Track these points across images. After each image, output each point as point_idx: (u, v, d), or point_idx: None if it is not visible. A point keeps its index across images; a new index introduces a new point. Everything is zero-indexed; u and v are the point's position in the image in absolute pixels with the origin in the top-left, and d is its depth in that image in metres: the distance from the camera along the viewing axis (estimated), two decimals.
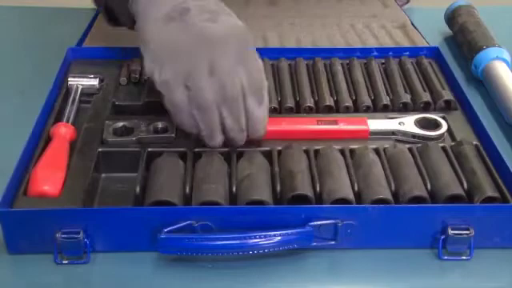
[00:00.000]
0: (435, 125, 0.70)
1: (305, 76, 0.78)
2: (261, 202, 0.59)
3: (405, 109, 0.74)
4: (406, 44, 0.88)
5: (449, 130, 0.70)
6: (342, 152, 0.66)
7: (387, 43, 0.88)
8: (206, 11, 0.67)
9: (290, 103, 0.74)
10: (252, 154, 0.65)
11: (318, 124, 0.70)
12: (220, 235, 0.57)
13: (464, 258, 0.60)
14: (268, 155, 0.66)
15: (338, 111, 0.74)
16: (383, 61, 0.82)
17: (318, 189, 0.62)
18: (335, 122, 0.70)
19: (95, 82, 0.76)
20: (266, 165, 0.65)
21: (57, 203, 0.60)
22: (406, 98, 0.75)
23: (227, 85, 0.62)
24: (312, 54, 0.83)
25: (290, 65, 0.81)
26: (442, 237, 0.59)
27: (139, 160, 0.64)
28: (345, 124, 0.70)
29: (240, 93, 0.63)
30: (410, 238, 0.60)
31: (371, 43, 0.88)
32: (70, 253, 0.58)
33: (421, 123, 0.70)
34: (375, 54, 0.83)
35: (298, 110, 0.74)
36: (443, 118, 0.72)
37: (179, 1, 0.67)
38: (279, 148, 0.66)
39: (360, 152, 0.66)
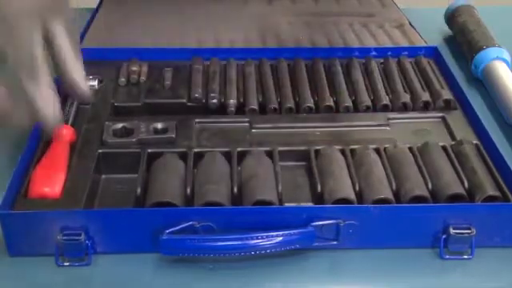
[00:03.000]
0: None
1: (304, 76, 0.78)
2: (267, 203, 0.59)
3: (404, 108, 0.74)
4: (404, 43, 0.88)
5: (449, 130, 0.71)
6: (342, 152, 0.66)
7: (385, 43, 0.89)
8: None
9: (290, 103, 0.74)
10: (259, 154, 0.65)
11: None
12: (222, 236, 0.57)
13: (465, 257, 0.59)
14: (269, 155, 0.66)
15: (337, 111, 0.74)
16: (382, 60, 0.82)
17: (319, 189, 0.62)
18: None
19: (94, 82, 0.75)
20: (272, 165, 0.64)
21: (57, 205, 0.59)
22: (406, 97, 0.75)
23: None
24: (311, 54, 0.83)
25: (289, 65, 0.81)
26: (444, 236, 0.59)
27: (140, 161, 0.64)
28: None
29: None
30: (411, 238, 0.60)
31: (369, 43, 0.88)
32: (71, 255, 0.58)
33: None
34: (374, 53, 0.83)
35: (298, 110, 0.74)
36: (443, 117, 0.72)
37: None
38: (280, 148, 0.66)
39: (360, 152, 0.66)
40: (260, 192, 0.60)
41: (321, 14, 0.97)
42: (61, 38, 0.60)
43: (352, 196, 0.61)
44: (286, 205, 0.61)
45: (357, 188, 0.62)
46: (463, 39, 0.90)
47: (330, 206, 0.60)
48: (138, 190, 0.61)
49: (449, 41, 0.96)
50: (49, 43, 0.60)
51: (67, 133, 0.67)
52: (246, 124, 0.71)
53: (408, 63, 0.81)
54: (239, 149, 0.66)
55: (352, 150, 0.66)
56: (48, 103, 0.57)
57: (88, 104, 0.65)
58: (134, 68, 0.78)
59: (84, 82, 0.62)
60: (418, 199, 0.61)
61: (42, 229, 0.57)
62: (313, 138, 0.69)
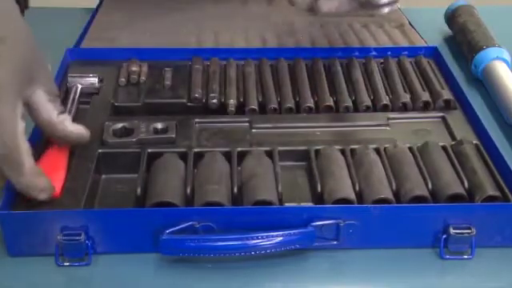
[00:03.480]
0: None
1: (304, 76, 0.78)
2: (268, 203, 0.59)
3: (404, 108, 0.74)
4: (404, 43, 0.88)
5: (449, 130, 0.71)
6: (342, 152, 0.66)
7: (385, 43, 0.89)
8: None
9: (290, 103, 0.74)
10: (259, 154, 0.65)
11: None
12: (222, 236, 0.57)
13: (466, 257, 0.60)
14: (269, 155, 0.66)
15: (337, 111, 0.74)
16: (382, 60, 0.82)
17: (319, 189, 0.62)
18: None
19: (95, 80, 0.75)
20: (272, 165, 0.64)
21: (57, 205, 0.59)
22: (406, 97, 0.75)
23: None
24: (311, 54, 0.83)
25: (289, 65, 0.81)
26: (444, 236, 0.59)
27: (140, 161, 0.64)
28: None
29: None
30: (411, 238, 0.60)
31: (369, 43, 0.88)
32: (72, 255, 0.58)
33: None
34: (374, 53, 0.83)
35: (298, 110, 0.74)
36: (443, 117, 0.72)
37: None
38: (280, 148, 0.66)
39: (360, 152, 0.66)
40: (260, 192, 0.60)
41: (321, 14, 0.97)
42: (41, 102, 0.59)
43: (352, 196, 0.61)
44: (286, 205, 0.61)
45: (357, 188, 0.62)
46: (463, 39, 0.90)
47: (330, 206, 0.60)
48: (138, 190, 0.61)
49: (449, 41, 0.96)
50: (29, 107, 0.59)
51: None
52: (246, 124, 0.71)
53: (408, 63, 0.81)
54: (239, 149, 0.66)
55: (352, 150, 0.66)
56: (35, 186, 0.57)
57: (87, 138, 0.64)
58: (134, 68, 0.78)
59: (74, 126, 0.62)
60: (418, 199, 0.61)
61: (42, 229, 0.57)
62: (313, 138, 0.69)
